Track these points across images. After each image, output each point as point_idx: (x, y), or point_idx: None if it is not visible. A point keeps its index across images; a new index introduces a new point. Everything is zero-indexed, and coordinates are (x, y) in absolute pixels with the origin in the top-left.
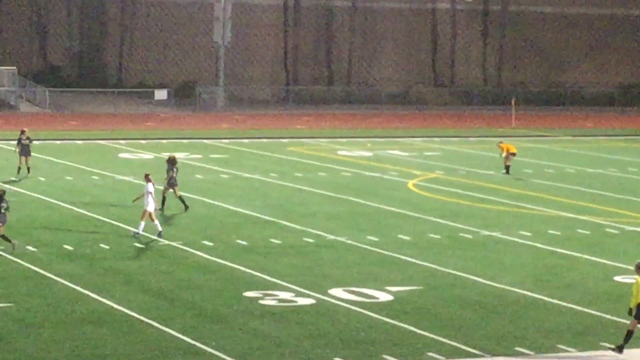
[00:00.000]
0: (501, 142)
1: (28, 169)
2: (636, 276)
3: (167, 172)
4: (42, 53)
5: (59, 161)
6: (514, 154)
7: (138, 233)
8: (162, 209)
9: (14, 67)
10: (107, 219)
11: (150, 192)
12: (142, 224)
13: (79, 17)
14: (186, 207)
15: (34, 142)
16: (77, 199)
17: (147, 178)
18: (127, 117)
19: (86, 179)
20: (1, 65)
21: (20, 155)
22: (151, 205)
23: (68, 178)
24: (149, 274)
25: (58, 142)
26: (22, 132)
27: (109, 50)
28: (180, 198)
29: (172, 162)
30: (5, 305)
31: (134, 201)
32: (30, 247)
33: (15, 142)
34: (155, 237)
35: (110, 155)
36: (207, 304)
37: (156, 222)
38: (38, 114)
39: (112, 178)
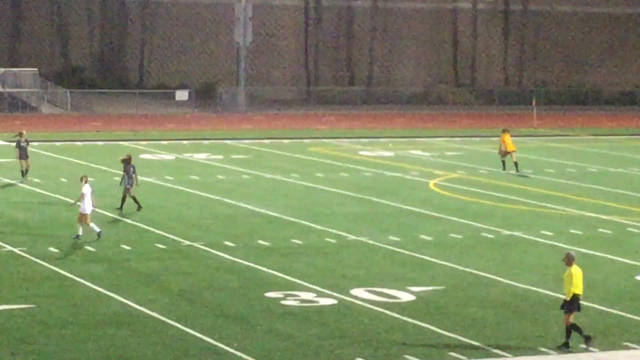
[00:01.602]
0: (506, 132)
1: (25, 171)
2: (567, 267)
3: (125, 172)
4: (64, 54)
5: (81, 162)
6: (509, 153)
7: (78, 236)
8: (121, 208)
9: (36, 69)
10: (129, 220)
11: (85, 194)
12: (80, 227)
13: (100, 18)
14: (139, 207)
15: (31, 143)
16: (98, 200)
17: (83, 179)
18: (148, 118)
19: (107, 180)
20: (23, 67)
21: (19, 159)
22: (87, 208)
23: (89, 179)
24: (171, 275)
25: (79, 143)
26: (20, 134)
27: (130, 51)
28: (134, 198)
29: (128, 161)
30: (28, 306)
31: (71, 205)
32: (52, 249)
33: (14, 145)
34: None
35: (131, 156)
36: (229, 304)
37: (92, 224)
38: (59, 115)
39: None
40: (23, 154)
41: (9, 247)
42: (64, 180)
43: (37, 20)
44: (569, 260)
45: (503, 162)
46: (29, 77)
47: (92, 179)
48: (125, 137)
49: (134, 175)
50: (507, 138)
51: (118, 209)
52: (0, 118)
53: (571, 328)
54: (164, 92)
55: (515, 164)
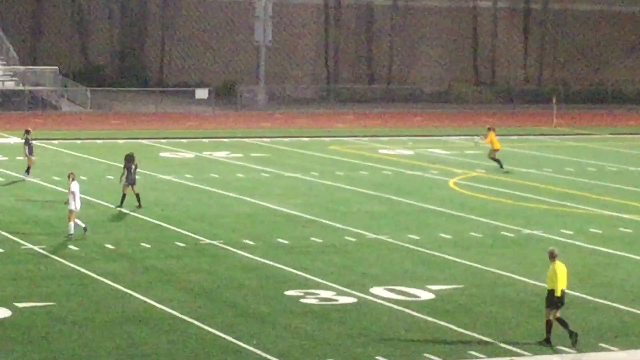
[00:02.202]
0: (491, 130)
1: (28, 168)
2: (551, 263)
3: (125, 169)
4: (84, 52)
5: (101, 160)
6: (496, 150)
7: (70, 235)
8: (121, 206)
9: (56, 67)
10: (148, 218)
11: (74, 192)
12: (71, 224)
13: (120, 16)
14: (139, 206)
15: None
16: (118, 198)
17: (71, 177)
18: (168, 116)
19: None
20: (43, 65)
21: (30, 155)
22: (74, 205)
23: (109, 177)
24: (190, 273)
25: (99, 141)
26: (28, 131)
27: (150, 49)
28: (138, 196)
29: (130, 159)
30: (48, 304)
31: (65, 203)
32: (71, 246)
33: (22, 142)
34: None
35: (151, 154)
36: (248, 302)
37: (77, 220)
38: (79, 114)
39: (153, 177)
40: (31, 151)
41: (29, 245)
42: (83, 178)
43: (57, 18)
44: (552, 256)
45: (497, 160)
46: (49, 75)
47: (111, 177)
48: (145, 135)
49: (134, 173)
50: (493, 136)
51: (118, 206)
52: (21, 116)
53: (559, 322)
54: (184, 90)
55: (495, 159)
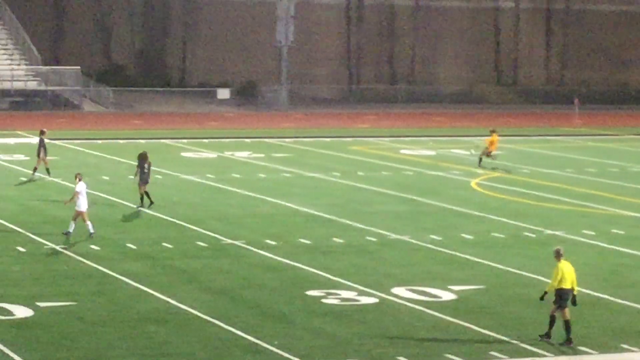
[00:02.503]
0: (493, 132)
1: (35, 170)
2: (557, 262)
3: (139, 169)
4: (106, 52)
5: (123, 160)
6: (491, 151)
7: (69, 232)
8: (142, 206)
9: (78, 67)
10: (170, 218)
11: (79, 192)
12: (73, 224)
13: (142, 16)
14: (151, 203)
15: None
16: (139, 198)
17: (77, 177)
18: (190, 116)
19: (150, 178)
20: (65, 65)
21: (44, 157)
22: (83, 205)
23: (131, 177)
24: (212, 273)
25: (121, 141)
26: (43, 132)
27: (172, 49)
28: (147, 194)
29: (143, 158)
30: (70, 303)
31: (66, 204)
32: (93, 246)
33: (37, 142)
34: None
35: (173, 154)
36: (270, 302)
37: (88, 222)
38: (101, 114)
39: (175, 177)
40: (46, 152)
41: (50, 245)
42: (105, 178)
43: (79, 18)
44: (557, 255)
45: (481, 159)
46: (72, 75)
47: (132, 177)
48: (167, 135)
49: (147, 172)
50: (496, 138)
51: (137, 206)
52: (43, 116)
53: (565, 324)
54: (206, 90)
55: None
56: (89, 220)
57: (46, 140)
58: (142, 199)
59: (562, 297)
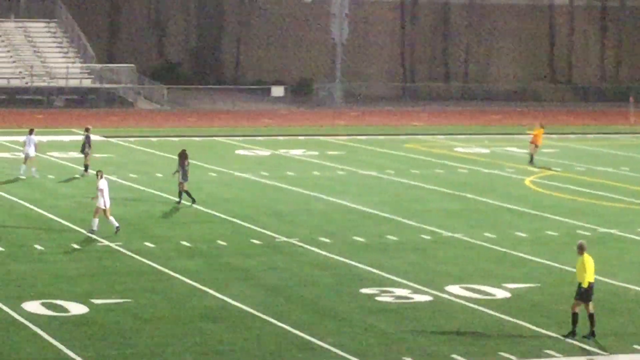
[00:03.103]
0: (539, 127)
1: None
2: (581, 256)
3: (179, 166)
4: (160, 50)
5: (176, 158)
6: (537, 147)
7: (93, 231)
8: (194, 202)
9: (133, 65)
10: (224, 215)
11: (102, 189)
12: (96, 220)
13: (196, 14)
14: (193, 201)
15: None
16: (198, 197)
17: (99, 174)
18: (244, 113)
19: (203, 175)
20: (120, 63)
21: (89, 155)
22: (104, 202)
23: (172, 174)
24: (266, 270)
25: (175, 139)
26: (88, 129)
27: (226, 47)
28: (187, 192)
29: (184, 156)
30: (124, 300)
31: (92, 199)
32: (148, 243)
33: (82, 138)
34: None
35: (227, 151)
36: (324, 300)
37: (111, 218)
38: (155, 111)
39: (229, 175)
40: (90, 149)
41: (105, 242)
42: (159, 175)
43: (134, 16)
44: (580, 249)
45: (532, 157)
46: (126, 73)
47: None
48: (221, 132)
49: (187, 170)
50: (540, 132)
51: (177, 202)
52: (98, 114)
53: (589, 317)
54: (260, 88)
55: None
56: (111, 216)
57: (94, 138)
58: (180, 195)
59: (589, 291)
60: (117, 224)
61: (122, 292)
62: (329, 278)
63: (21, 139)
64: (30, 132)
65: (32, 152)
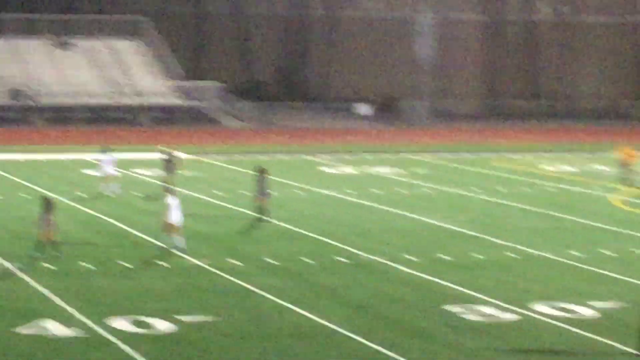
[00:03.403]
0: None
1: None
2: None
3: (258, 183)
4: (247, 68)
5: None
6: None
7: (179, 247)
8: (261, 219)
9: (219, 83)
10: (309, 233)
11: (170, 204)
12: (178, 238)
13: (282, 33)
14: (264, 218)
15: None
16: (283, 214)
17: (166, 190)
18: (330, 131)
19: (288, 192)
20: (206, 81)
21: (173, 174)
22: (174, 218)
23: (271, 192)
24: (351, 288)
25: (261, 156)
26: (167, 150)
27: (312, 65)
28: (264, 209)
29: (261, 172)
30: (212, 318)
31: (163, 219)
32: (233, 260)
33: (165, 159)
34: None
35: (312, 169)
36: (409, 318)
37: (178, 237)
38: (242, 129)
39: (314, 192)
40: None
41: (191, 259)
42: (245, 193)
43: (221, 35)
44: None
45: (625, 176)
46: (212, 91)
47: (275, 193)
48: (306, 150)
49: (265, 186)
50: (631, 152)
51: (259, 219)
52: (184, 131)
53: None
54: (346, 105)
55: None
56: (180, 235)
57: (179, 155)
58: (261, 212)
59: None
60: (182, 245)
61: (209, 310)
62: (415, 295)
63: (104, 156)
64: (108, 150)
65: (112, 169)
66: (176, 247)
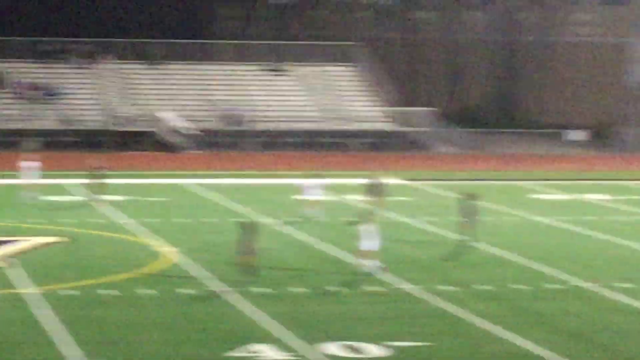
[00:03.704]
0: None
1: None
2: None
3: (465, 208)
4: (459, 94)
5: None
6: None
7: (381, 267)
8: (468, 245)
9: (432, 108)
10: (519, 258)
11: (363, 231)
12: (372, 261)
13: (495, 57)
14: (471, 243)
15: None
16: (493, 239)
17: (361, 216)
18: (540, 157)
19: (498, 218)
20: (418, 107)
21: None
22: (366, 245)
23: (481, 218)
24: (563, 315)
25: (471, 182)
26: (374, 175)
27: (525, 91)
28: (471, 234)
29: (470, 197)
30: (426, 344)
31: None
32: (443, 286)
33: (371, 183)
34: None
35: (522, 195)
36: (625, 347)
37: (367, 261)
38: (454, 155)
39: (525, 218)
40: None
41: (401, 284)
42: (454, 218)
43: (432, 62)
44: None
45: None
46: (424, 116)
47: (485, 219)
48: (516, 176)
49: (471, 213)
50: None
51: (466, 245)
52: (395, 157)
53: None
54: (559, 131)
55: None
56: (368, 261)
57: (392, 181)
58: (468, 237)
59: None
60: (373, 269)
61: (422, 335)
62: (630, 324)
63: (312, 181)
64: (316, 175)
65: (318, 194)
66: (372, 272)
